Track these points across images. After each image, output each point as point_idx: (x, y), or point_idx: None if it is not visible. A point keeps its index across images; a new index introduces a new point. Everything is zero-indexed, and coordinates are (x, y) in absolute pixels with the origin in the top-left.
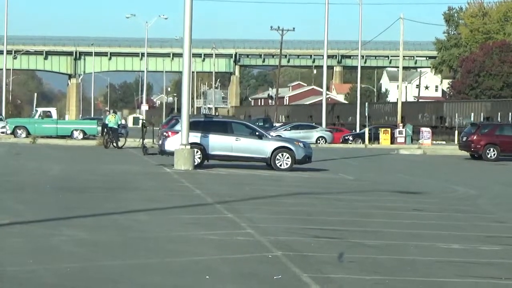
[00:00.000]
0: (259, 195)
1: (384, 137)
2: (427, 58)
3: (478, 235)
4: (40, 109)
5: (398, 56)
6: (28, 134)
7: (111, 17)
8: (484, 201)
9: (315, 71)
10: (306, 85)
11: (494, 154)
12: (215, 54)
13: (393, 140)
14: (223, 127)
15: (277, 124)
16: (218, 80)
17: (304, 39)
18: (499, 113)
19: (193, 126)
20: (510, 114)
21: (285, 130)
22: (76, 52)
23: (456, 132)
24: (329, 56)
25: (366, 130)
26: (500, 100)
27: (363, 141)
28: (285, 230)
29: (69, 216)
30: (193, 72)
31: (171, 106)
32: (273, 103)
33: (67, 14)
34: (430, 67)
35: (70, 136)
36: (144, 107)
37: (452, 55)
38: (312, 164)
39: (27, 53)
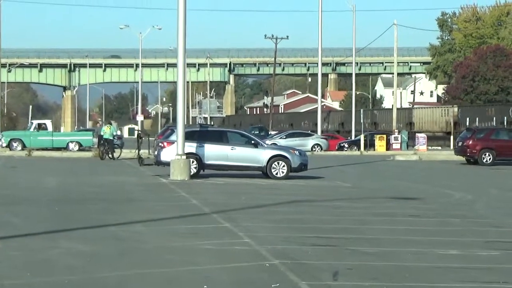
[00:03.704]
0: (256, 204)
1: (380, 144)
2: (422, 64)
3: (475, 240)
4: (35, 122)
5: (393, 62)
6: (24, 146)
7: (105, 28)
8: (481, 206)
9: (309, 79)
10: (301, 93)
11: (490, 159)
12: (210, 64)
13: (388, 146)
14: (219, 136)
15: (273, 132)
16: (213, 90)
17: (298, 47)
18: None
19: (189, 136)
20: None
21: (280, 138)
22: (70, 64)
23: (452, 137)
24: (323, 64)
25: (362, 137)
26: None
27: (359, 148)
28: (282, 238)
29: (66, 229)
30: (187, 82)
31: (167, 116)
32: (269, 112)
33: (61, 27)
34: (424, 72)
35: (66, 148)
36: (140, 117)
37: (447, 60)
38: (308, 172)
39: (22, 66)
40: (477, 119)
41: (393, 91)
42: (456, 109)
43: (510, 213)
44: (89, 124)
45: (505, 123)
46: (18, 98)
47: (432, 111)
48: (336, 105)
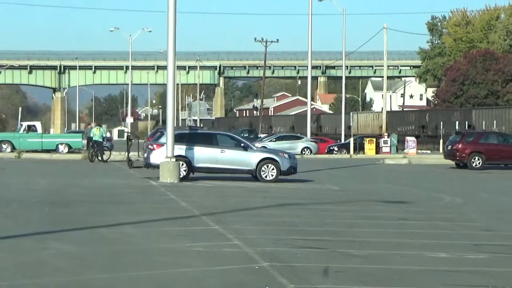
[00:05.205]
0: (245, 207)
1: (369, 147)
2: (411, 67)
3: (464, 243)
4: (25, 123)
5: (382, 65)
6: (13, 148)
7: (95, 30)
8: (470, 210)
9: (299, 82)
10: (290, 95)
11: (479, 163)
12: (200, 66)
13: (378, 150)
14: (208, 139)
15: (262, 135)
16: (202, 92)
17: (288, 50)
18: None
19: (178, 138)
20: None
21: (270, 141)
22: (60, 66)
23: (441, 141)
24: (313, 67)
25: (351, 140)
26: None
27: (348, 151)
28: (271, 241)
29: (56, 230)
30: (177, 84)
31: (157, 118)
32: (258, 114)
33: (51, 29)
34: (414, 76)
35: (55, 150)
36: (129, 119)
37: (436, 64)
38: (298, 175)
39: (12, 67)
40: (395, 123)
41: (382, 94)
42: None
43: (499, 217)
44: (73, 126)
45: (422, 128)
46: (7, 99)
47: (366, 116)
48: (325, 108)
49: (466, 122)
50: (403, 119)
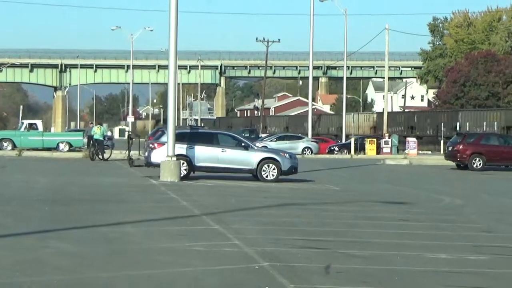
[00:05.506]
0: (246, 207)
1: (370, 148)
2: (413, 68)
3: (465, 244)
4: (26, 121)
5: (384, 66)
6: (14, 146)
7: (96, 29)
8: (470, 211)
9: (300, 82)
10: (291, 96)
11: (480, 164)
12: (201, 66)
13: (379, 150)
14: (209, 138)
15: (263, 135)
16: (204, 92)
17: (290, 50)
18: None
19: (179, 137)
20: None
21: (271, 141)
22: (61, 65)
23: (442, 142)
24: (314, 67)
25: (352, 140)
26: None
27: (349, 152)
28: (272, 241)
29: (56, 229)
30: (178, 83)
31: (157, 117)
32: (259, 114)
33: (52, 27)
34: (415, 77)
35: (56, 148)
36: (130, 118)
37: (438, 65)
38: (298, 175)
39: (13, 66)
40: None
41: (384, 95)
42: (375, 115)
43: (499, 218)
44: (73, 125)
45: (410, 129)
46: (9, 98)
47: (357, 116)
48: (327, 109)
49: (465, 126)
50: (393, 120)
